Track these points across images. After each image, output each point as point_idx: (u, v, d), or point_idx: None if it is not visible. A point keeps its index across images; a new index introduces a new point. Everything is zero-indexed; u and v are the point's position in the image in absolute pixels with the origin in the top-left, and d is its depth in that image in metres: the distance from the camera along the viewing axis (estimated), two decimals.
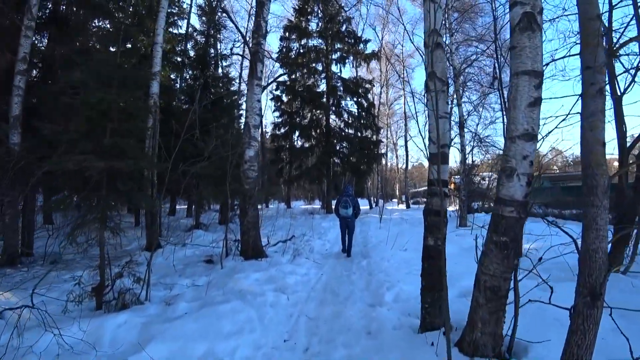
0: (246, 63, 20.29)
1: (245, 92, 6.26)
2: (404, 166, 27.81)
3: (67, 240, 3.46)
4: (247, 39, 8.42)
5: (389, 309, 3.64)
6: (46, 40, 8.03)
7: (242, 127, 5.95)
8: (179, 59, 13.68)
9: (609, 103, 5.92)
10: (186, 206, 17.43)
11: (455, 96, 11.53)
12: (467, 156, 11.78)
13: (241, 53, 15.12)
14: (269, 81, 20.20)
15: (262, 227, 10.11)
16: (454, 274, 4.96)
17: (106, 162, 2.99)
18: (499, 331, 2.43)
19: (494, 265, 2.26)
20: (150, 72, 7.26)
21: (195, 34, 14.04)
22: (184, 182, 4.50)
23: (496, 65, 2.93)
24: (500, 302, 2.35)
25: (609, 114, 5.54)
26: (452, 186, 31.74)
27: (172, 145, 5.88)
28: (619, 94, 5.44)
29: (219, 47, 14.84)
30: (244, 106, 11.60)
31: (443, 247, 2.93)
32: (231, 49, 14.12)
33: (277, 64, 20.48)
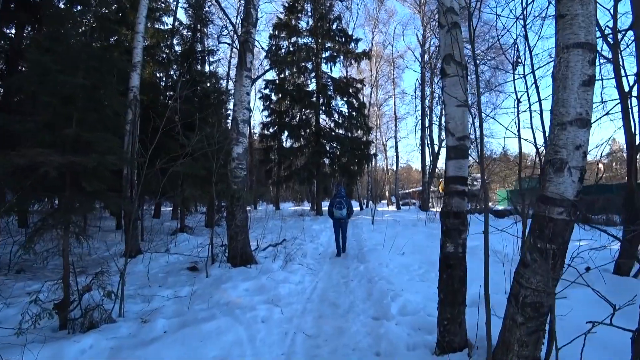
0: (235, 61, 19.76)
1: (233, 85, 5.78)
2: (393, 167, 27.64)
3: (24, 248, 2.93)
4: (236, 27, 7.91)
5: (397, 324, 3.22)
6: (14, 29, 7.40)
7: (230, 122, 5.48)
8: (164, 55, 13.07)
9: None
10: (171, 208, 16.76)
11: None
12: None
13: (229, 42, 14.50)
14: (258, 74, 19.72)
15: (251, 230, 9.64)
16: None
17: (65, 157, 2.49)
18: (538, 354, 2.05)
19: (538, 277, 1.87)
20: (131, 62, 6.71)
21: (181, 27, 13.43)
22: (163, 180, 3.98)
23: (517, 47, 2.61)
24: (541, 320, 1.96)
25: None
26: (440, 188, 31.73)
27: (155, 143, 5.41)
28: (626, 90, 5.20)
29: (206, 43, 14.29)
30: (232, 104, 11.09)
31: (464, 254, 2.54)
32: (218, 37, 13.47)
33: (266, 62, 19.99)
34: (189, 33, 13.13)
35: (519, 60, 2.82)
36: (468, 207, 2.64)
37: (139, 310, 3.83)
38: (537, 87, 2.52)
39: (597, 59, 4.85)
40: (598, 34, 4.99)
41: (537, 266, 1.86)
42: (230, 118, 7.27)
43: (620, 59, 5.22)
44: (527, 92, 2.58)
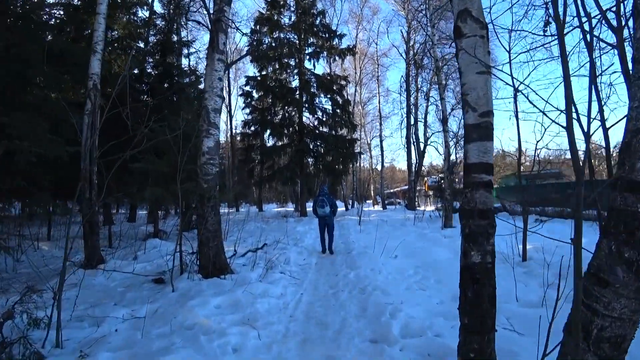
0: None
1: (204, 70, 5.06)
2: (378, 167, 27.27)
3: None
4: (208, 4, 7.18)
5: (402, 349, 2.61)
6: None
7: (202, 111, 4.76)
8: (136, 47, 12.20)
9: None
10: (147, 211, 15.77)
11: (439, 89, 10.84)
12: (450, 153, 11.09)
13: (199, 21, 13.64)
14: (234, 59, 18.94)
15: (229, 233, 8.88)
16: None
17: None
18: None
19: (623, 301, 1.28)
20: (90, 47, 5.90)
21: (155, 17, 12.56)
22: (108, 177, 3.24)
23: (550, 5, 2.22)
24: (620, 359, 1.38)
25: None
26: (426, 187, 31.67)
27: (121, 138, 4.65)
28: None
29: (187, 36, 13.48)
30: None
31: (494, 264, 1.95)
32: (186, 14, 12.58)
33: (244, 44, 19.23)
34: (164, 23, 12.30)
35: (549, 19, 2.26)
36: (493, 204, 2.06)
37: (84, 337, 3.09)
38: (589, 48, 1.95)
39: (598, 44, 4.37)
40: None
41: (621, 285, 1.28)
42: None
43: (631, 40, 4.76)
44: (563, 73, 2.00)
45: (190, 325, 3.10)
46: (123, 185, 7.82)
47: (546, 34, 2.30)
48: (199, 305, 3.52)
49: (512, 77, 3.70)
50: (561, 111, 1.35)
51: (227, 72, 27.47)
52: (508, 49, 6.33)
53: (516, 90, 6.55)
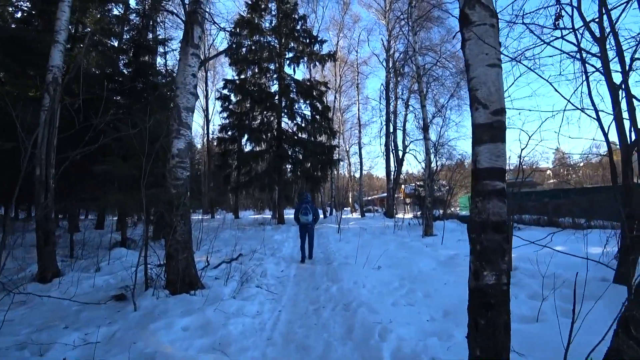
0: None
1: (177, 65, 4.64)
2: (356, 174, 27.22)
3: None
4: None
5: None
6: None
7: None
8: (109, 44, 11.51)
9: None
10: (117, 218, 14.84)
11: (420, 97, 10.79)
12: (431, 160, 11.02)
13: (173, 11, 13.06)
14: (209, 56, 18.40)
15: (203, 242, 8.34)
16: (456, 303, 3.81)
17: None
18: None
19: None
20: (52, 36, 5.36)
21: (129, 12, 11.91)
22: (56, 175, 2.78)
23: None
24: None
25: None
26: (402, 195, 31.82)
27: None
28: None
29: (163, 34, 12.86)
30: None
31: (509, 286, 1.68)
32: (160, 4, 11.96)
33: (221, 39, 18.76)
34: (138, 19, 11.67)
35: (561, 13, 2.05)
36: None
37: None
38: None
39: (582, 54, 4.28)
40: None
41: None
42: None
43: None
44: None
45: (151, 354, 2.66)
46: (88, 189, 7.21)
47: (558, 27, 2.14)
48: (163, 328, 3.08)
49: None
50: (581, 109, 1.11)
51: (205, 75, 26.80)
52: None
53: None
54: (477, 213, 1.72)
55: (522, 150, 5.93)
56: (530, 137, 6.03)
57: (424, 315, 3.65)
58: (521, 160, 6.39)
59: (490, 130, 1.75)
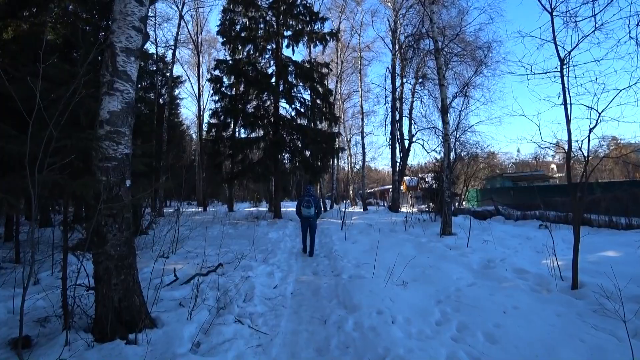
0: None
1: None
2: (358, 165, 25.72)
3: None
4: None
5: None
6: None
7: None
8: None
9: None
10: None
11: (437, 75, 9.27)
12: (451, 148, 9.56)
13: None
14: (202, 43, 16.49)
15: (184, 242, 6.86)
16: (522, 337, 2.38)
17: None
18: None
19: None
20: None
21: None
22: None
23: None
24: None
25: None
26: (404, 188, 30.39)
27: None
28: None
29: None
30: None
31: None
32: None
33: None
34: None
35: None
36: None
37: None
38: None
39: None
40: None
41: None
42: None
43: None
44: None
45: None
46: None
47: None
48: None
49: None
50: None
51: (197, 59, 25.03)
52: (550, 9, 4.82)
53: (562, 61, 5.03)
54: None
55: (590, 130, 4.55)
56: (600, 114, 4.56)
57: None
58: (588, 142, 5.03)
59: None
